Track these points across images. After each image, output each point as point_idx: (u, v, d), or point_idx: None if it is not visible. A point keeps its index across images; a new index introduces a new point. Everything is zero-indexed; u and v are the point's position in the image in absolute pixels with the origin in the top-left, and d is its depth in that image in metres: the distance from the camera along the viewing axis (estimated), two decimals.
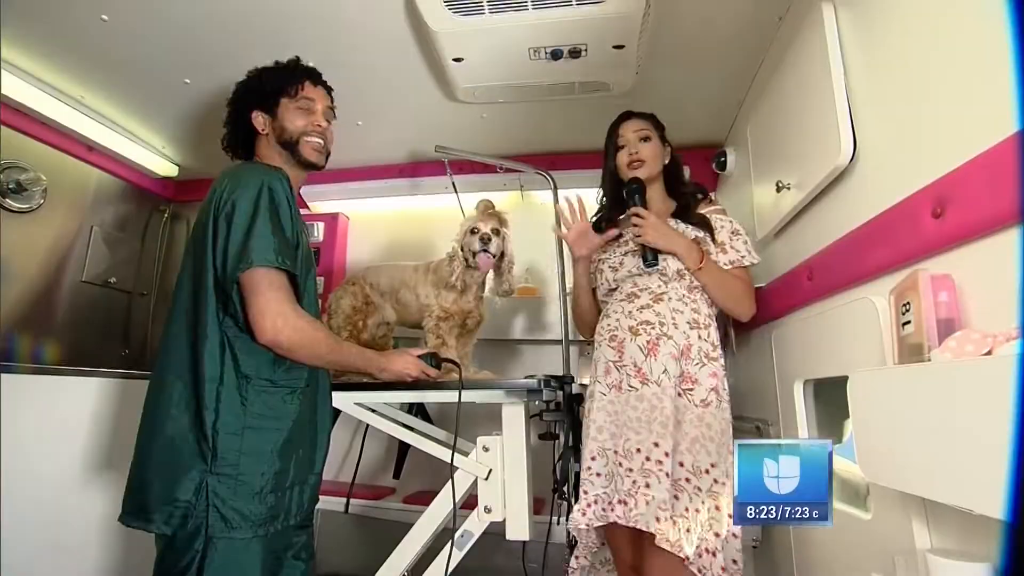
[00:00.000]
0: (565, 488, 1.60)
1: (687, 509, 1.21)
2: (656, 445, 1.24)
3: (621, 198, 1.54)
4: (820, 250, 1.25)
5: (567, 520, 1.38)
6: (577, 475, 1.74)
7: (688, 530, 1.18)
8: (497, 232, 1.65)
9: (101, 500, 1.64)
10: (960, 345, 0.66)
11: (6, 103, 1.91)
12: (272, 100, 1.33)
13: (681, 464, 1.25)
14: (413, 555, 1.46)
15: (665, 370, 1.31)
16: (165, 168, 2.55)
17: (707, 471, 1.24)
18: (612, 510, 1.27)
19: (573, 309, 1.68)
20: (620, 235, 1.54)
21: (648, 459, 1.24)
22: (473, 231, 1.64)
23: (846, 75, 1.15)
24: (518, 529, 1.41)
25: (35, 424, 1.55)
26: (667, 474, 1.22)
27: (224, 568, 1.05)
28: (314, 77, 1.38)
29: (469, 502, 1.46)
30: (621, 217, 1.55)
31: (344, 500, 2.00)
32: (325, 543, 2.29)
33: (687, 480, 1.24)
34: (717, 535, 1.19)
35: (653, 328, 1.35)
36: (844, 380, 0.96)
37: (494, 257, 1.65)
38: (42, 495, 1.54)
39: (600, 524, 1.30)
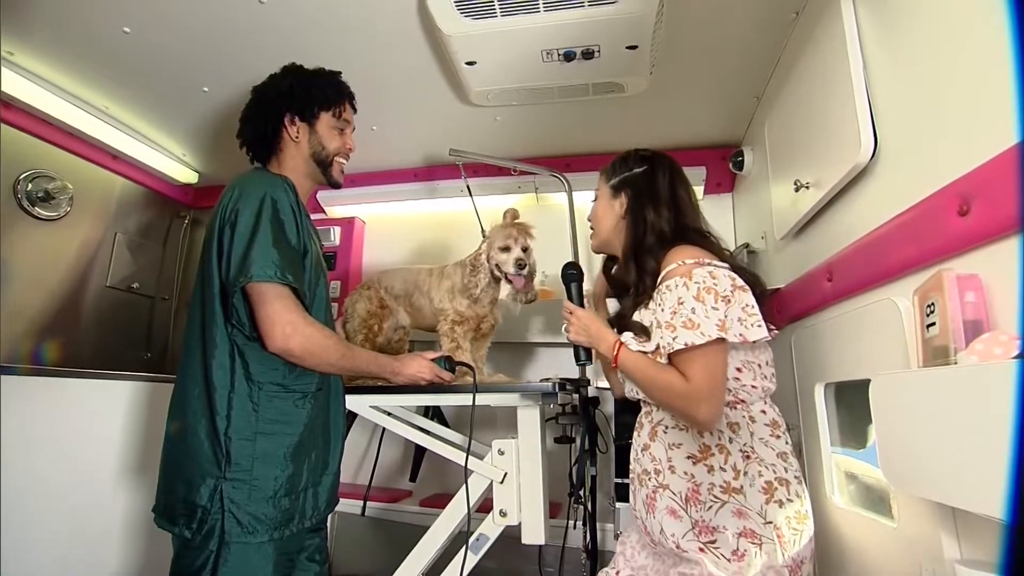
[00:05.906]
0: (581, 492, 1.58)
1: None
2: None
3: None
4: (840, 250, 1.22)
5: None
6: (594, 479, 1.72)
7: None
8: (526, 249, 1.64)
9: (131, 499, 1.68)
10: (988, 347, 0.63)
11: (34, 114, 1.97)
12: (313, 111, 1.31)
13: None
14: (429, 559, 1.46)
15: (662, 530, 1.04)
16: (185, 175, 2.61)
17: None
18: None
19: None
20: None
21: None
22: (505, 248, 1.63)
23: (866, 70, 1.12)
24: (533, 533, 1.40)
25: (65, 426, 1.59)
26: None
27: (237, 570, 1.06)
28: (353, 101, 1.39)
29: (485, 506, 1.46)
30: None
31: (361, 503, 2.02)
32: (342, 545, 2.30)
33: None
34: None
35: (650, 478, 1.11)
36: (867, 383, 0.94)
37: (526, 277, 1.63)
38: (75, 493, 1.58)
39: None
